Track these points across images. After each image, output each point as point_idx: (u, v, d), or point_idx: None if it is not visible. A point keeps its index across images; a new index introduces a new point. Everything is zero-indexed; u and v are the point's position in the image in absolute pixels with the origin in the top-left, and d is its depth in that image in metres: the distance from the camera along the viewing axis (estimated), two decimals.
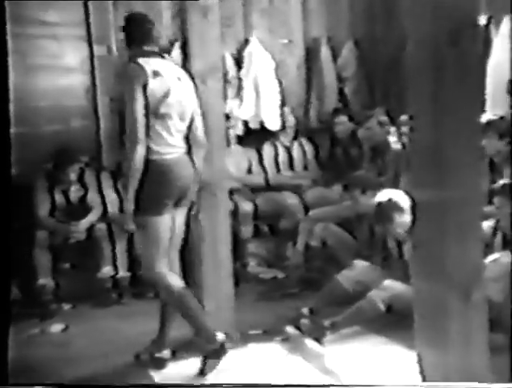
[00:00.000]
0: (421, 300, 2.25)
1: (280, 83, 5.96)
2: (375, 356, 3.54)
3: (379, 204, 3.97)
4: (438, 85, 2.09)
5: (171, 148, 3.39)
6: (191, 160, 3.53)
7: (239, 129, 5.81)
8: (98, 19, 5.34)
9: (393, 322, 3.75)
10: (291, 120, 5.78)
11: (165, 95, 3.35)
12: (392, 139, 5.25)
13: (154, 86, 3.31)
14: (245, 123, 5.89)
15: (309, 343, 3.75)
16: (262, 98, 5.87)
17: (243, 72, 5.85)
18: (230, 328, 3.80)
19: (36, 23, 5.19)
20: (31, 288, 4.73)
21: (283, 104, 5.90)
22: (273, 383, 3.22)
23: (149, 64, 3.36)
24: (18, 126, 5.18)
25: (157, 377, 3.43)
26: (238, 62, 5.86)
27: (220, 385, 3.35)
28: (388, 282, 3.86)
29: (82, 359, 3.67)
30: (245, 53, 5.87)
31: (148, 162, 3.29)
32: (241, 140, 5.78)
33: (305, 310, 3.99)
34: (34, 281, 4.69)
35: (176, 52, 5.51)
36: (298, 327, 3.89)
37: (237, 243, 4.91)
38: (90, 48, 5.37)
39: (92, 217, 4.87)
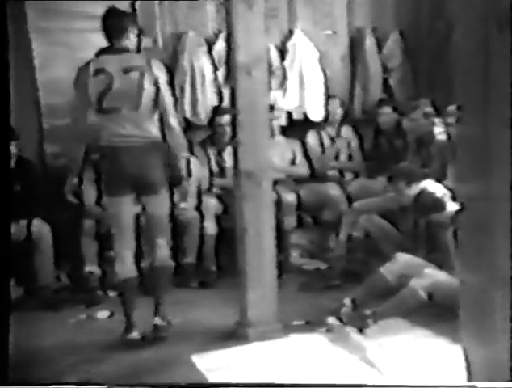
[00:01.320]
0: (467, 292, 2.23)
1: (324, 74, 5.94)
2: (419, 350, 3.52)
3: (418, 194, 3.96)
4: (486, 74, 2.05)
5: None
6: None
7: (283, 120, 5.81)
8: (143, 12, 5.39)
9: (437, 314, 3.72)
10: (338, 112, 5.75)
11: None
12: (438, 130, 5.18)
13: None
14: (289, 114, 5.89)
15: (352, 334, 3.75)
16: (306, 89, 5.86)
17: (287, 63, 5.84)
18: (273, 318, 3.84)
19: (84, 17, 5.27)
20: (79, 275, 4.84)
21: (327, 95, 5.88)
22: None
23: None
24: (66, 117, 5.31)
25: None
26: (282, 53, 5.86)
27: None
28: (428, 270, 3.83)
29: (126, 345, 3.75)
30: (290, 44, 5.86)
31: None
32: (284, 131, 5.78)
33: (347, 301, 3.99)
34: (81, 269, 4.81)
35: (221, 43, 5.57)
36: (340, 319, 3.89)
37: (281, 234, 4.92)
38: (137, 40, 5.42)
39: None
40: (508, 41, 2.01)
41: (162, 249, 3.89)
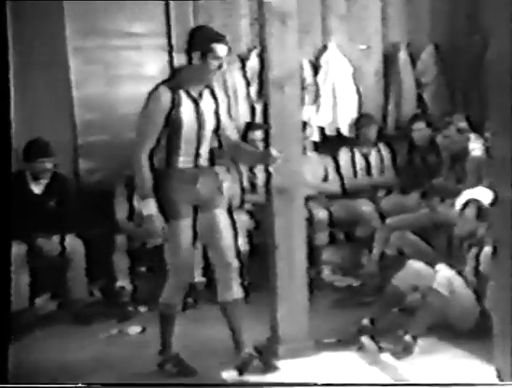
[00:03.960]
0: (501, 312, 2.19)
1: (358, 90, 5.92)
2: (453, 370, 3.47)
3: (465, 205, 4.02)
4: None
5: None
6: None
7: (315, 136, 5.80)
8: (178, 29, 5.45)
9: (471, 334, 3.67)
10: (371, 129, 5.71)
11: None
12: (473, 146, 5.12)
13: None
14: (322, 129, 5.87)
15: (384, 354, 3.71)
16: (339, 104, 5.84)
17: (320, 78, 5.84)
18: (304, 335, 3.81)
19: (121, 35, 5.37)
20: (111, 290, 4.88)
21: (360, 112, 5.86)
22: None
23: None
24: (101, 134, 5.40)
25: None
26: (316, 69, 5.85)
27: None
28: (440, 266, 3.93)
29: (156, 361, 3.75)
30: (323, 60, 5.86)
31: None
32: (317, 146, 5.76)
33: (366, 321, 3.96)
34: (113, 283, 4.84)
35: (254, 59, 5.59)
36: (373, 337, 3.86)
37: (312, 250, 4.89)
38: (170, 56, 5.49)
39: None
40: None
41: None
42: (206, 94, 3.57)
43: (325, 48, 5.89)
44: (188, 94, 3.50)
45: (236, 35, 5.66)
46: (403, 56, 5.99)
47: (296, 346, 3.76)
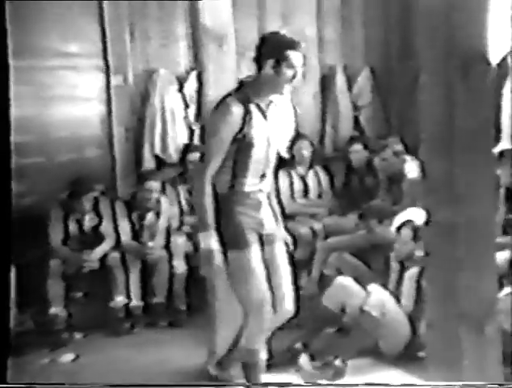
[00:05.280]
0: (434, 331, 2.21)
1: (295, 111, 5.96)
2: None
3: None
4: (451, 117, 2.07)
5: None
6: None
7: None
8: (115, 50, 5.40)
9: (407, 354, 3.70)
10: (306, 151, 5.74)
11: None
12: (408, 168, 5.21)
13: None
14: None
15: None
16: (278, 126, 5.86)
17: None
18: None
19: (57, 54, 5.27)
20: (44, 317, 4.72)
21: (298, 134, 5.89)
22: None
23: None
24: (35, 156, 5.27)
25: None
26: None
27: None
28: (372, 287, 3.97)
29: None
30: None
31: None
32: None
33: (299, 345, 3.96)
34: (47, 310, 4.69)
35: (192, 81, 5.57)
36: (312, 356, 3.84)
37: None
38: (107, 78, 5.42)
39: (106, 246, 4.86)
40: (471, 84, 2.04)
41: None
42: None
43: None
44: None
45: (174, 57, 5.65)
46: (340, 78, 6.08)
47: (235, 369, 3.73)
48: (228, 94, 3.12)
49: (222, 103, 3.09)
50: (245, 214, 3.10)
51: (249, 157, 3.08)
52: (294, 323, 4.50)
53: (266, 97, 3.13)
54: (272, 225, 3.24)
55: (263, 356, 3.29)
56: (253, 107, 3.08)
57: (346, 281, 4.10)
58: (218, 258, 3.02)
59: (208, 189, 3.03)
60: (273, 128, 3.19)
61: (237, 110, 3.02)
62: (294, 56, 3.05)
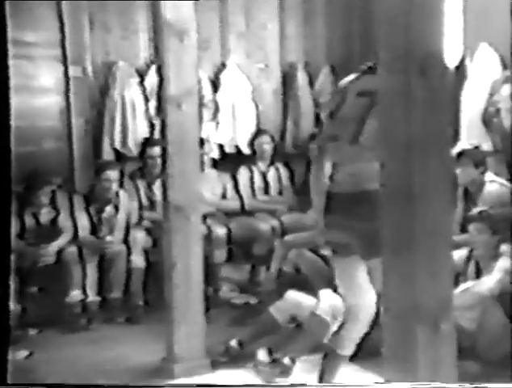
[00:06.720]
0: (390, 329, 2.22)
1: (257, 108, 5.96)
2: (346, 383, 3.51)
3: None
4: (408, 115, 2.09)
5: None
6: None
7: (215, 153, 5.79)
8: (73, 40, 5.31)
9: (365, 350, 3.73)
10: (267, 147, 5.76)
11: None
12: None
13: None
14: (221, 146, 5.87)
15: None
16: (239, 122, 5.86)
17: (220, 95, 5.84)
18: (200, 354, 3.77)
19: (13, 43, 5.14)
20: None
21: (259, 129, 5.89)
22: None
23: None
24: None
25: None
26: (215, 85, 5.85)
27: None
28: (324, 292, 3.95)
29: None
30: (222, 77, 5.87)
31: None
32: (216, 164, 5.75)
33: (234, 342, 3.97)
34: None
35: (152, 74, 5.52)
36: (271, 351, 3.85)
37: (210, 268, 4.86)
38: (66, 69, 5.34)
39: (62, 240, 4.80)
40: (428, 84, 2.06)
41: None
42: None
43: (223, 65, 5.90)
44: None
45: (134, 50, 5.59)
46: (301, 75, 6.09)
47: (192, 365, 3.72)
48: None
49: None
50: None
51: None
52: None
53: None
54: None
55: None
56: None
57: (297, 296, 4.10)
58: None
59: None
60: None
61: None
62: None
